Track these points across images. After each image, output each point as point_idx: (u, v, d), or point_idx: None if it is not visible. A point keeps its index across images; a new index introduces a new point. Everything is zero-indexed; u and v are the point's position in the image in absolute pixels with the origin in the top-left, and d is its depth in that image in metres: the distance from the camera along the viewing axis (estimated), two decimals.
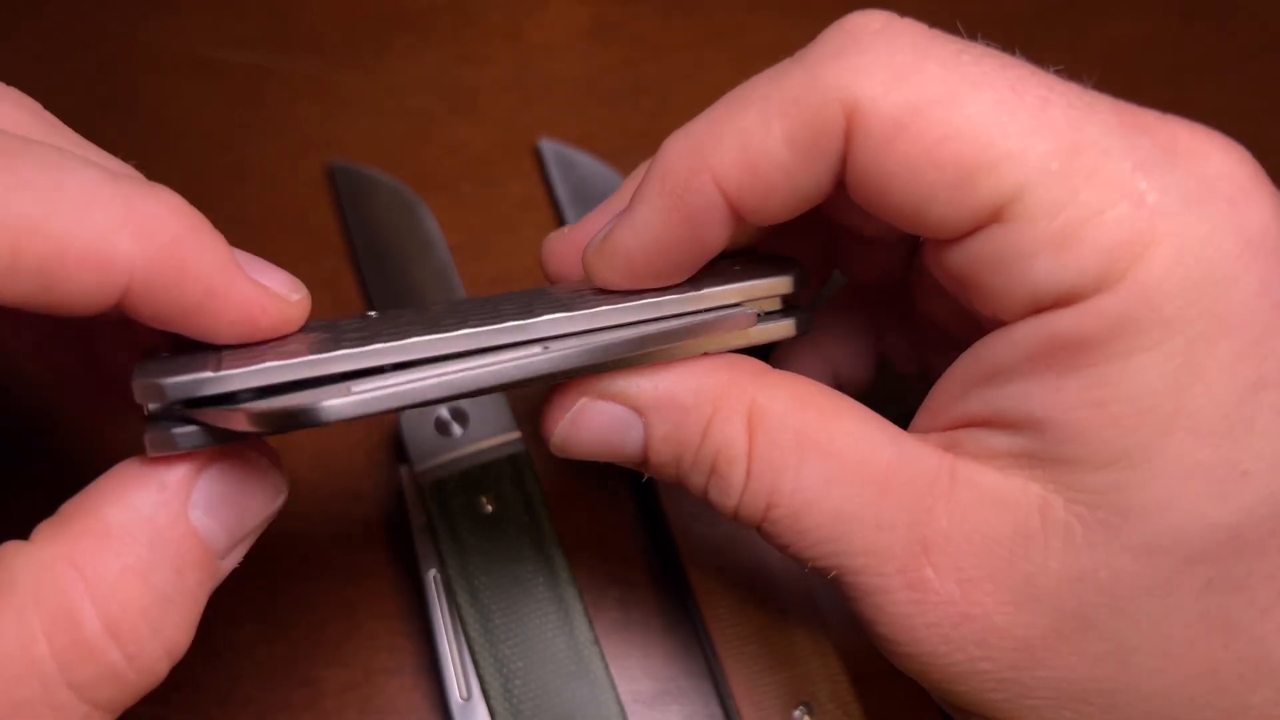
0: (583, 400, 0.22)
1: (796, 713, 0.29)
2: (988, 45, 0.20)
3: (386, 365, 0.20)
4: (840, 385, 0.29)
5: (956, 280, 0.20)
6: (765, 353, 0.27)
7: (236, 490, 0.20)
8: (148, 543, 0.18)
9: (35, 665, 0.17)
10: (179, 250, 0.18)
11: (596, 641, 0.29)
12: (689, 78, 0.42)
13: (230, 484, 0.20)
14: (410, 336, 0.20)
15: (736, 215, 0.21)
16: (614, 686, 0.29)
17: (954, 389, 0.21)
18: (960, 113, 0.18)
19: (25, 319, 0.22)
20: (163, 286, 0.18)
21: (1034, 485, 0.19)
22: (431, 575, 0.30)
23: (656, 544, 0.33)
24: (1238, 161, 0.19)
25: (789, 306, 0.23)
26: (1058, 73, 0.19)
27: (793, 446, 0.20)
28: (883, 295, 0.28)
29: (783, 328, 0.23)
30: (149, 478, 0.19)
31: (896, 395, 0.31)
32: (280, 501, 0.21)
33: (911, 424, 0.22)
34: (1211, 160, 0.18)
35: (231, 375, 0.19)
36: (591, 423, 0.22)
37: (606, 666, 0.29)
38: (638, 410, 0.21)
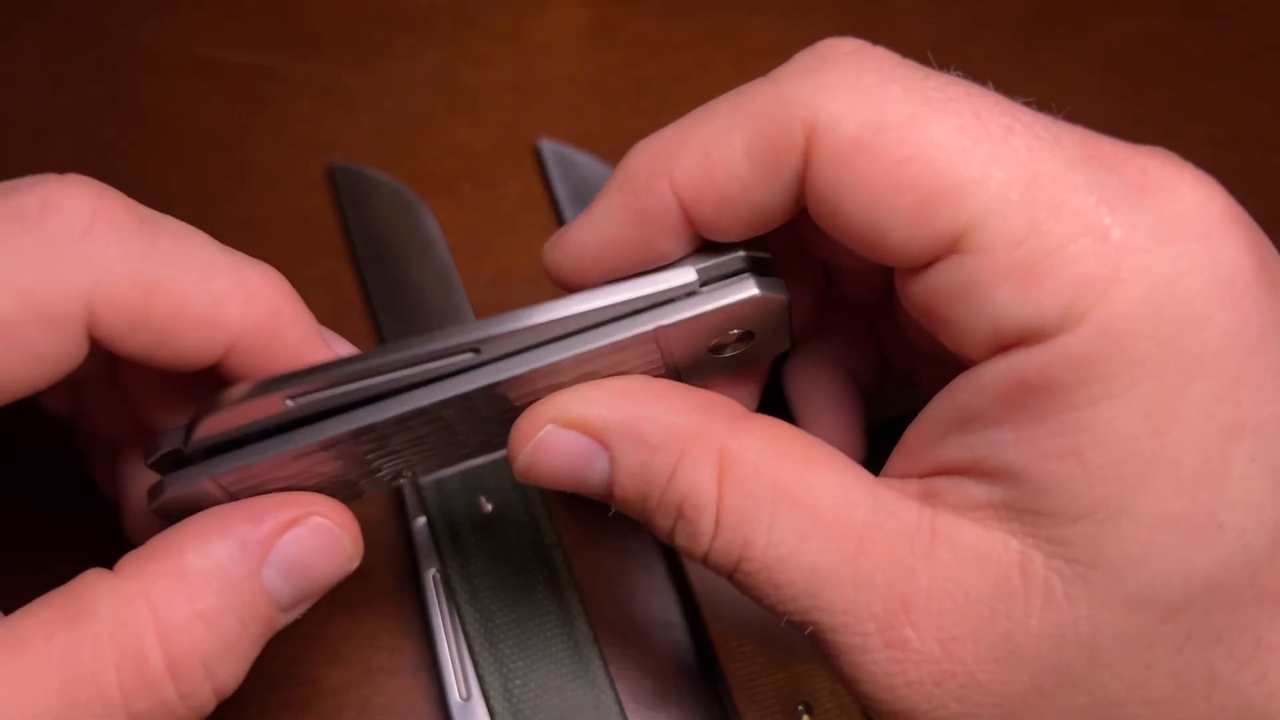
0: (548, 427, 0.21)
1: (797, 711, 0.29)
2: (958, 74, 0.19)
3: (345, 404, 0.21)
4: (857, 384, 0.28)
5: (922, 313, 0.20)
6: (780, 357, 0.26)
7: (311, 557, 0.21)
8: (219, 592, 0.20)
9: (103, 692, 0.19)
10: (278, 320, 0.21)
11: (596, 641, 0.29)
12: (689, 78, 0.42)
13: (307, 551, 0.21)
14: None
15: (691, 225, 0.20)
16: (614, 686, 0.29)
17: (930, 433, 0.20)
18: (921, 135, 0.18)
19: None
20: (259, 350, 0.21)
21: (1013, 540, 0.19)
22: (431, 575, 0.30)
23: (657, 543, 0.33)
24: (1209, 197, 0.18)
25: (754, 270, 0.21)
26: (1027, 104, 0.19)
27: (767, 498, 0.20)
28: (877, 311, 0.27)
29: (741, 287, 0.21)
30: (232, 532, 0.20)
31: (897, 398, 0.31)
32: (350, 569, 0.22)
33: (889, 464, 0.22)
34: (1182, 196, 0.18)
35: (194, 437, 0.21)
36: (555, 451, 0.21)
37: (606, 666, 0.29)
38: (603, 443, 0.21)
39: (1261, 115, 0.43)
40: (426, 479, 0.30)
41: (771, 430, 0.21)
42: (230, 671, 0.20)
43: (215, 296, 0.20)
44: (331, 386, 0.20)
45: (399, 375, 0.20)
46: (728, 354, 0.22)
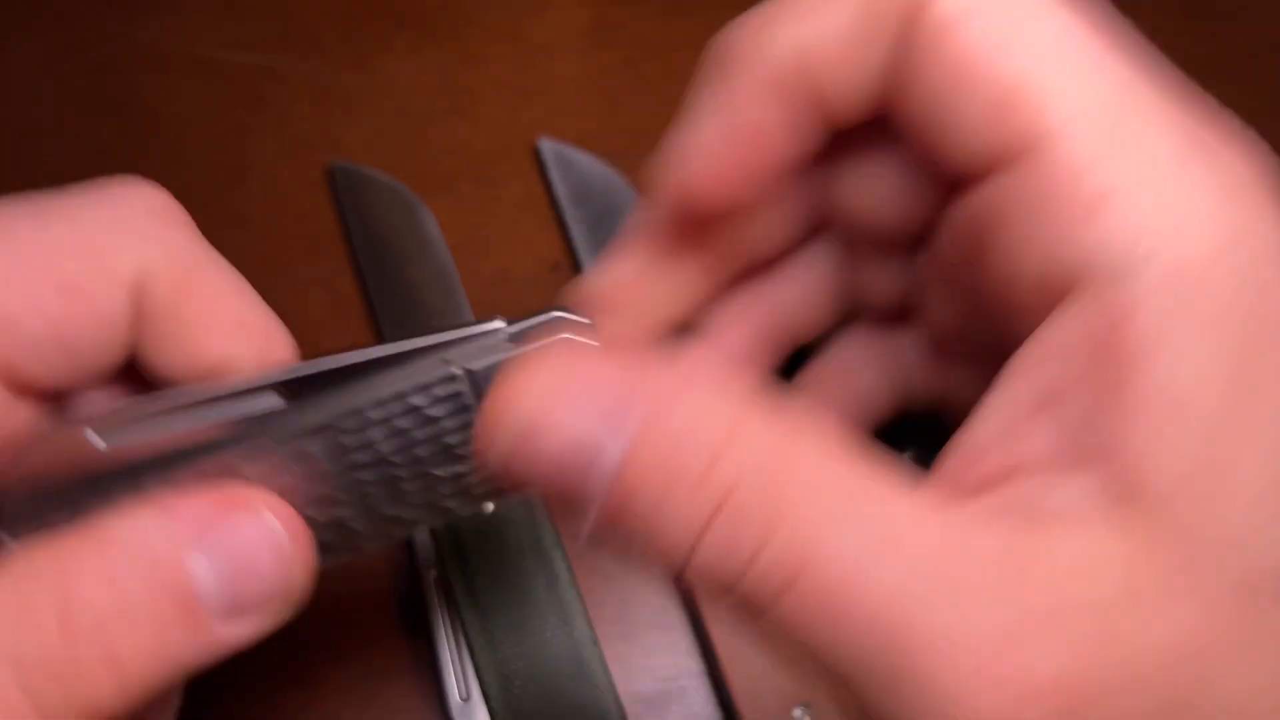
0: (551, 375, 0.16)
1: (796, 713, 0.29)
2: None
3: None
4: (863, 423, 0.26)
5: (971, 241, 0.18)
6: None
7: (250, 554, 0.19)
8: (129, 557, 0.18)
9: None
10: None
11: (596, 642, 0.29)
12: (689, 78, 0.42)
13: (245, 544, 0.19)
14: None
15: (802, 107, 0.20)
16: (614, 686, 0.29)
17: (993, 430, 0.18)
18: (1020, 29, 0.17)
19: None
20: None
21: (1114, 540, 0.16)
22: (431, 576, 0.30)
23: None
24: (1259, 162, 0.17)
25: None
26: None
27: (832, 505, 0.16)
28: (894, 325, 0.25)
29: (551, 333, 0.20)
30: (161, 502, 0.19)
31: (914, 434, 0.30)
32: (292, 590, 0.20)
33: (942, 477, 0.18)
34: (1242, 158, 0.17)
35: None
36: (569, 409, 0.16)
37: (606, 666, 0.29)
38: (625, 407, 0.16)
39: (1261, 115, 0.43)
40: None
41: (827, 429, 0.17)
42: (132, 653, 0.17)
43: (243, 314, 0.21)
44: (131, 419, 0.20)
45: (203, 417, 0.20)
46: None
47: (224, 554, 0.18)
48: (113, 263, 0.20)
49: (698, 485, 0.16)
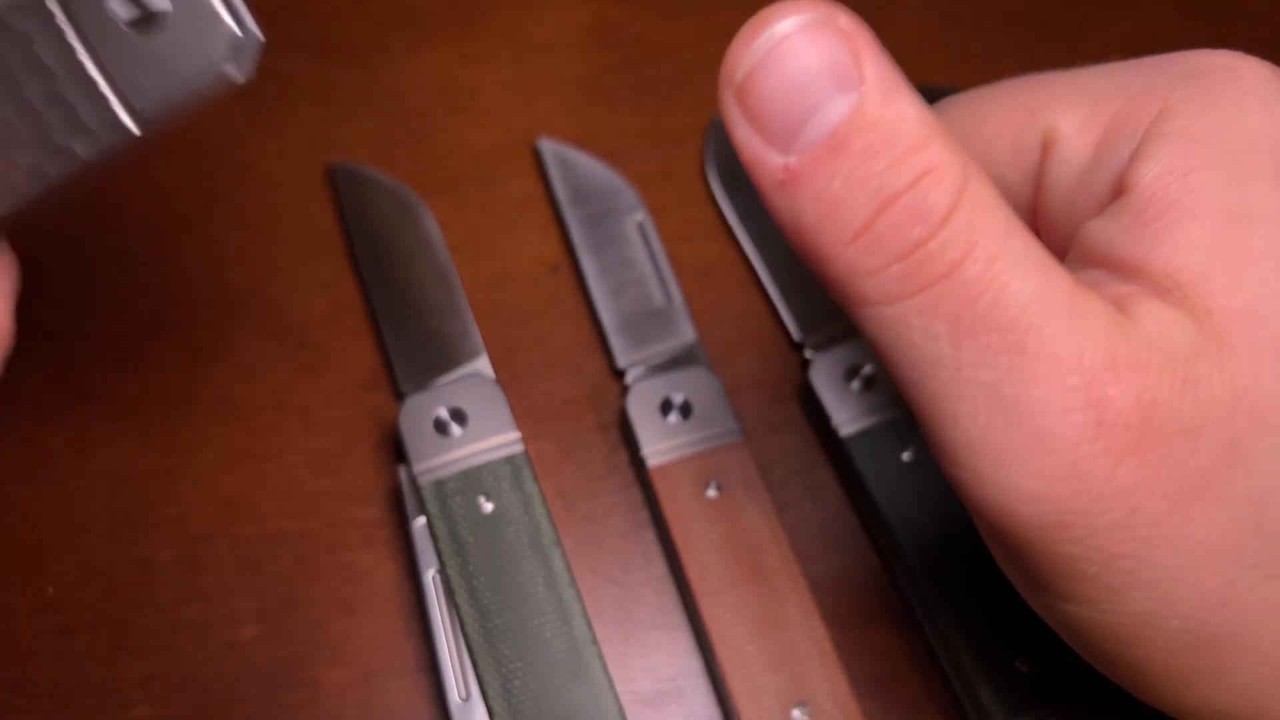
0: (791, 21, 0.19)
1: (796, 713, 0.29)
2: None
3: None
4: None
5: (1060, 221, 0.22)
6: None
7: None
8: None
9: None
10: None
11: (596, 641, 0.29)
12: (689, 77, 0.42)
13: None
14: None
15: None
16: (613, 686, 0.29)
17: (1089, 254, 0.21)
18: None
19: None
20: None
21: (1175, 311, 0.19)
22: (431, 575, 0.30)
23: (657, 543, 0.33)
24: None
25: None
26: None
27: (1001, 218, 0.18)
28: None
29: None
30: None
31: (913, 434, 0.31)
32: None
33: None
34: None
35: None
36: (801, 50, 0.18)
37: (606, 666, 0.29)
38: (857, 68, 0.18)
39: None
40: (425, 479, 0.30)
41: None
42: None
43: None
44: None
45: None
46: (129, 18, 0.21)
47: None
48: None
49: (904, 155, 0.18)
